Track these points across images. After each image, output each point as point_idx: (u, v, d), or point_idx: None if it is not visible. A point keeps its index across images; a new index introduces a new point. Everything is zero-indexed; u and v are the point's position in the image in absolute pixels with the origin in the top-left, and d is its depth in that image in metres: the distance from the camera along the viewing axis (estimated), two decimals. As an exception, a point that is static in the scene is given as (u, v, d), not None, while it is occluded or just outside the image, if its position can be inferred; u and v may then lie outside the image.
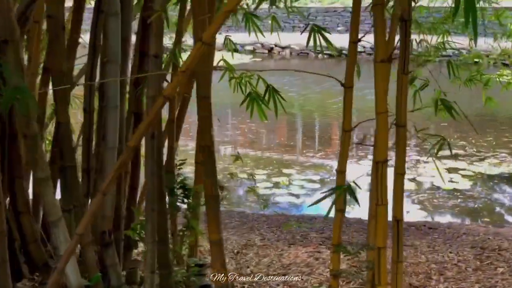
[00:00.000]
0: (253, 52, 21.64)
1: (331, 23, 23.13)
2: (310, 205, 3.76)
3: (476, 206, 8.38)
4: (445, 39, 5.64)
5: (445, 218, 7.77)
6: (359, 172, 9.63)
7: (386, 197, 2.48)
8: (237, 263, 4.04)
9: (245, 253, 4.22)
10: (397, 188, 2.59)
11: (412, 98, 3.16)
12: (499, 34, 5.80)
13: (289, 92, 15.84)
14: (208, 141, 2.43)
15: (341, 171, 2.63)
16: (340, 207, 2.62)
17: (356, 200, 2.53)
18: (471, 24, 5.13)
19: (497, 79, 5.73)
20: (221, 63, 4.36)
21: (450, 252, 4.36)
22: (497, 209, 8.33)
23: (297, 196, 8.60)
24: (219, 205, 2.64)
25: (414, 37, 5.86)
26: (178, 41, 3.95)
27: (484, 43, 6.42)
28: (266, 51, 21.73)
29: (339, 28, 23.27)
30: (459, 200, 8.57)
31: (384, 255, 2.47)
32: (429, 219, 7.74)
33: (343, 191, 2.32)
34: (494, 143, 11.25)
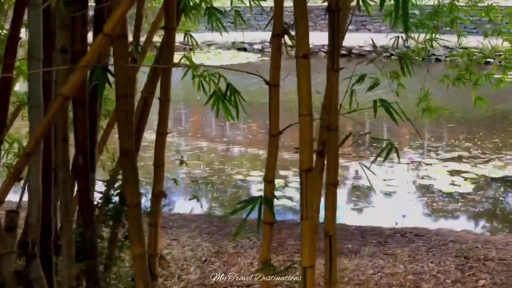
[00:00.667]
0: (261, 51, 21.42)
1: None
2: (229, 214, 3.49)
3: (477, 210, 8.09)
4: (434, 36, 5.40)
5: (440, 223, 7.50)
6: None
7: (312, 210, 2.24)
8: (201, 272, 3.83)
9: (213, 262, 4.02)
10: (328, 201, 2.36)
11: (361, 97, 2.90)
12: (490, 31, 5.53)
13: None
14: (127, 144, 2.22)
15: (269, 181, 2.38)
16: (269, 220, 2.37)
17: (272, 212, 2.29)
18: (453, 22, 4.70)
19: (486, 78, 5.44)
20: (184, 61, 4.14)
21: (431, 262, 4.12)
22: (498, 213, 8.04)
23: (292, 199, 8.37)
24: (140, 214, 2.43)
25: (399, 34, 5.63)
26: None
27: (477, 41, 6.15)
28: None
29: (350, 27, 22.97)
30: (459, 204, 8.29)
31: (311, 274, 2.23)
32: (424, 223, 7.48)
33: (259, 203, 2.08)
34: (500, 144, 10.93)
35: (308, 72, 2.18)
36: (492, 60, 16.05)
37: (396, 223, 7.44)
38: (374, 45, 5.81)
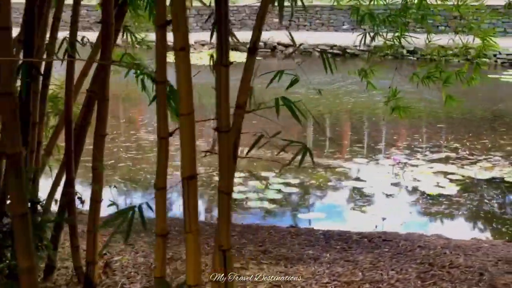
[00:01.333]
0: (255, 51, 21.17)
1: (336, 21, 22.67)
2: (101, 227, 3.28)
3: (459, 213, 7.90)
4: (403, 33, 5.22)
5: (417, 227, 7.31)
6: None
7: (196, 222, 2.04)
8: (148, 281, 3.65)
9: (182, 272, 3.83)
10: (221, 210, 2.16)
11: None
12: (460, 27, 5.33)
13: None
14: (12, 148, 2.03)
15: (161, 187, 2.18)
16: (162, 231, 2.17)
17: (144, 222, 2.10)
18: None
19: (457, 75, 5.25)
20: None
21: (392, 269, 3.92)
22: (480, 217, 7.84)
23: (272, 201, 8.19)
24: (28, 225, 2.23)
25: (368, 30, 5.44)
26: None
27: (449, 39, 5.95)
28: (269, 50, 21.30)
29: (344, 27, 22.77)
30: (443, 207, 8.10)
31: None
32: (407, 227, 7.29)
33: (129, 214, 1.88)
34: (489, 145, 10.72)
35: (188, 66, 2.00)
36: (487, 59, 15.63)
37: (376, 226, 7.26)
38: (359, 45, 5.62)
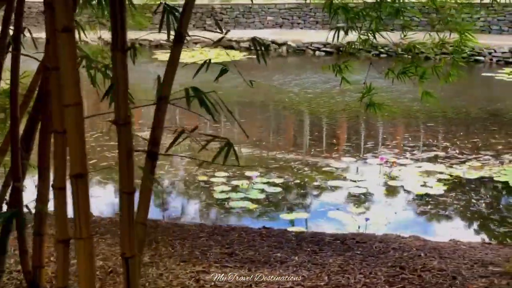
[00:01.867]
0: (248, 49, 21.03)
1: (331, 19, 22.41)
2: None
3: (444, 213, 7.72)
4: (376, 27, 5.05)
5: (403, 228, 7.14)
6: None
7: (87, 227, 1.85)
8: (100, 287, 3.47)
9: (119, 273, 3.65)
10: (123, 213, 1.98)
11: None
12: (436, 21, 5.16)
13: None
14: None
15: (59, 187, 1.99)
16: (63, 237, 1.98)
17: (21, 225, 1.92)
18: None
19: (434, 71, 5.08)
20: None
21: (361, 273, 3.74)
22: (466, 217, 7.66)
23: (254, 201, 8.01)
24: None
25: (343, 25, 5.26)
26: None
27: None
28: (263, 48, 21.02)
29: (339, 25, 22.54)
30: (429, 207, 7.92)
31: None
32: (388, 228, 7.12)
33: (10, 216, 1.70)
34: (480, 144, 10.54)
35: (73, 49, 1.81)
36: (483, 57, 15.41)
37: (359, 227, 7.09)
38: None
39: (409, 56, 5.18)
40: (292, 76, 17.30)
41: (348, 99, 14.23)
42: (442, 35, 4.96)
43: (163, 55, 20.02)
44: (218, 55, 19.77)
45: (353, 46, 5.14)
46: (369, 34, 4.92)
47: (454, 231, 7.16)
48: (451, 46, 5.22)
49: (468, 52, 19.06)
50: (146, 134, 2.79)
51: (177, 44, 2.15)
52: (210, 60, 3.34)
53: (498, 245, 4.92)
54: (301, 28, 22.76)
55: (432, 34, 5.04)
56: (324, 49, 20.51)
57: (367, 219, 7.25)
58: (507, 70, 17.54)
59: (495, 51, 18.87)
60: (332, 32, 5.08)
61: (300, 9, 22.61)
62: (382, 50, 20.20)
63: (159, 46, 21.50)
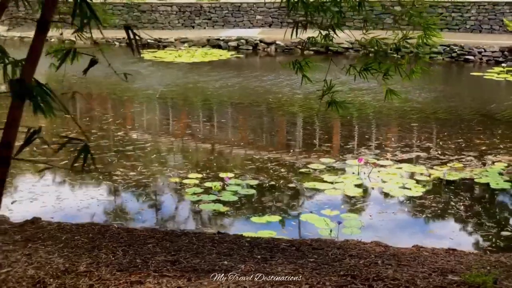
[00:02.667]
0: (236, 48, 20.78)
1: (321, 18, 22.14)
2: None
3: (422, 216, 7.47)
4: (337, 20, 4.81)
5: (375, 231, 6.90)
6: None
7: None
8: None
9: (47, 283, 3.40)
10: None
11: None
12: (398, 15, 4.93)
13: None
14: None
15: None
16: None
17: None
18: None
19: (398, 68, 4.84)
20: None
21: (307, 284, 3.48)
22: (443, 220, 7.42)
23: (226, 203, 7.76)
24: None
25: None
26: None
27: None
28: (251, 48, 20.85)
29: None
30: (406, 209, 7.68)
31: None
32: (362, 232, 6.88)
33: None
34: (463, 145, 10.29)
35: None
36: (472, 57, 15.02)
37: (331, 231, 6.84)
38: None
39: (399, 56, 4.92)
40: (278, 75, 17.05)
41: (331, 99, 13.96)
42: (406, 31, 4.68)
43: (149, 55, 19.77)
44: (206, 54, 19.52)
45: (313, 42, 4.88)
46: (329, 31, 4.66)
47: (427, 236, 6.93)
48: (414, 42, 4.96)
49: (458, 52, 18.86)
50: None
51: (40, 33, 1.88)
52: (75, 49, 3.14)
53: (463, 252, 4.66)
54: (291, 27, 22.44)
55: (398, 31, 4.77)
56: (313, 48, 20.24)
57: (339, 222, 7.01)
58: (497, 69, 17.30)
59: (485, 51, 18.63)
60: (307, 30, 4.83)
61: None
62: (371, 49, 19.90)
63: (146, 45, 21.24)
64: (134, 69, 17.26)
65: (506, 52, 18.50)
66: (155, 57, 19.25)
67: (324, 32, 4.78)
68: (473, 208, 7.71)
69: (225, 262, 3.87)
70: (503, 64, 17.42)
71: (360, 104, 13.45)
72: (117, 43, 21.89)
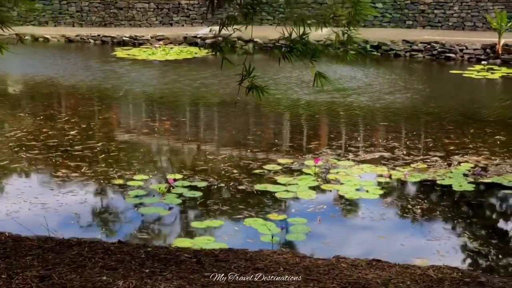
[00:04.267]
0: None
1: (301, 15, 21.65)
2: None
3: (377, 220, 6.98)
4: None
5: (321, 238, 6.40)
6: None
7: None
8: None
9: None
10: None
11: None
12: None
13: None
14: None
15: None
16: None
17: None
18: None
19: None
20: None
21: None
22: (398, 224, 6.92)
23: (167, 207, 7.26)
24: None
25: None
26: None
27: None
28: (229, 46, 20.30)
29: (308, 21, 21.79)
30: (359, 214, 7.18)
31: None
32: (308, 238, 6.39)
33: None
34: (431, 145, 9.79)
35: None
36: (453, 54, 14.62)
37: (272, 237, 6.34)
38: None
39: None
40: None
41: (308, 98, 13.51)
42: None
43: (122, 52, 19.25)
44: (181, 52, 19.00)
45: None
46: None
47: (376, 242, 6.44)
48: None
49: (439, 50, 18.36)
50: None
51: None
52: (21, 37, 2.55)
53: (388, 263, 4.15)
54: (270, 25, 22.00)
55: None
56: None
57: (282, 228, 6.52)
58: (477, 67, 16.82)
59: (467, 48, 18.13)
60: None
61: (269, 5, 21.86)
62: (350, 46, 19.42)
63: (121, 43, 20.71)
64: (108, 68, 16.79)
65: (488, 50, 18.02)
66: (128, 55, 18.72)
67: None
68: (431, 212, 7.22)
69: (104, 278, 3.37)
70: (483, 62, 16.95)
71: (330, 103, 12.95)
72: (91, 41, 21.36)
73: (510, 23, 18.52)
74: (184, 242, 6.25)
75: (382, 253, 6.15)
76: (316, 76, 4.71)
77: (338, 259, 4.20)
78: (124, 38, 20.76)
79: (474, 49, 18.18)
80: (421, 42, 18.72)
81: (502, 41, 17.83)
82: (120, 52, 19.13)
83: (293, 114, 12.26)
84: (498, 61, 17.62)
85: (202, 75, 15.80)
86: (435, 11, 20.48)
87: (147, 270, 3.63)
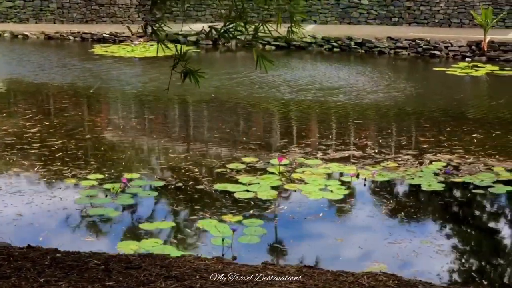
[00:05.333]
0: (196, 43, 19.87)
1: (285, 13, 21.29)
2: None
3: (338, 222, 6.61)
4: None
5: (271, 241, 6.04)
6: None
7: None
8: None
9: None
10: None
11: None
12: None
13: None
14: None
15: None
16: None
17: None
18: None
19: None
20: None
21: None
22: (360, 226, 6.56)
23: (120, 209, 6.89)
24: None
25: None
26: None
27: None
28: (211, 43, 19.95)
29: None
30: (320, 215, 6.80)
31: None
32: (261, 240, 6.03)
33: None
34: (404, 143, 9.43)
35: None
36: (438, 51, 14.21)
37: (223, 239, 5.97)
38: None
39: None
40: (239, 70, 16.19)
41: (290, 96, 13.14)
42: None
43: (101, 49, 18.86)
44: (160, 49, 18.57)
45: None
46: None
47: (333, 245, 6.08)
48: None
49: (424, 47, 17.99)
50: None
51: None
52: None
53: (320, 270, 3.78)
54: (255, 22, 21.57)
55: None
56: (275, 43, 19.36)
57: (233, 230, 6.15)
58: (462, 64, 16.44)
59: (452, 45, 17.75)
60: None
61: (253, 2, 21.44)
62: (334, 44, 19.09)
63: (101, 39, 20.32)
64: (85, 65, 16.42)
65: (473, 47, 17.66)
66: (107, 52, 18.33)
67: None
68: (396, 213, 6.86)
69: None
70: (467, 59, 16.56)
71: (311, 102, 12.58)
72: (71, 38, 20.96)
73: (496, 19, 18.17)
74: (129, 246, 5.90)
75: (338, 257, 5.82)
76: (258, 59, 4.34)
77: (266, 266, 3.82)
78: (104, 35, 20.37)
79: (460, 46, 17.81)
80: (405, 39, 18.36)
81: (488, 38, 17.48)
82: (98, 49, 18.74)
83: (267, 112, 11.89)
84: (484, 58, 17.26)
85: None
86: (421, 8, 20.11)
87: (42, 280, 3.26)
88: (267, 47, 19.66)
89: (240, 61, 18.67)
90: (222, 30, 4.08)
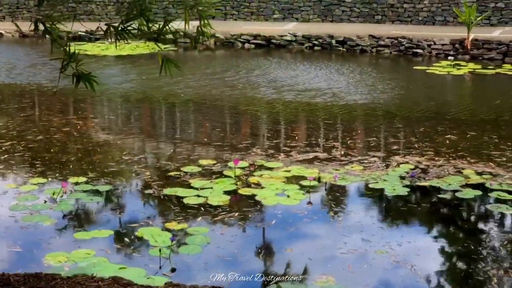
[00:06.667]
0: (174, 41, 19.36)
1: (266, 10, 20.82)
2: None
3: (291, 230, 6.12)
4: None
5: (214, 252, 5.55)
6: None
7: None
8: None
9: None
10: None
11: None
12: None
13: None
14: None
15: None
16: None
17: None
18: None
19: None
20: None
21: None
22: (312, 235, 6.06)
23: (57, 216, 6.40)
24: None
25: None
26: None
27: None
28: (189, 41, 19.44)
29: (275, 16, 20.93)
30: (273, 222, 6.31)
31: None
32: (205, 252, 5.54)
33: None
34: (372, 144, 8.95)
35: None
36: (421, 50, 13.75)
37: (160, 250, 5.48)
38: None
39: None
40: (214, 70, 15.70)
41: (273, 97, 12.67)
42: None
43: (73, 48, 18.30)
44: (136, 47, 18.09)
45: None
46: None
47: (281, 255, 5.59)
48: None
49: (406, 45, 17.53)
50: None
51: None
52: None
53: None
54: (235, 20, 21.14)
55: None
56: (254, 41, 18.88)
57: (172, 239, 5.67)
58: (444, 63, 15.98)
59: (435, 43, 17.28)
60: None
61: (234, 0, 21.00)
62: (315, 42, 18.61)
63: (77, 37, 19.79)
64: (54, 64, 15.87)
65: (457, 45, 17.20)
66: (79, 49, 17.77)
67: None
68: (353, 220, 6.38)
69: None
70: (450, 58, 16.10)
71: (289, 102, 12.09)
72: (47, 36, 20.41)
73: (480, 17, 17.72)
74: (57, 257, 5.40)
75: (283, 270, 5.33)
76: (163, 63, 3.95)
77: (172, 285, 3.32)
78: (80, 33, 19.84)
79: (443, 45, 17.36)
80: (388, 38, 17.90)
81: (472, 36, 17.04)
82: (71, 47, 18.20)
83: (236, 111, 11.40)
84: (467, 56, 16.82)
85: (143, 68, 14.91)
86: (405, 6, 19.64)
87: None
88: (246, 45, 19.19)
89: (218, 60, 18.20)
90: (120, 28, 3.68)
